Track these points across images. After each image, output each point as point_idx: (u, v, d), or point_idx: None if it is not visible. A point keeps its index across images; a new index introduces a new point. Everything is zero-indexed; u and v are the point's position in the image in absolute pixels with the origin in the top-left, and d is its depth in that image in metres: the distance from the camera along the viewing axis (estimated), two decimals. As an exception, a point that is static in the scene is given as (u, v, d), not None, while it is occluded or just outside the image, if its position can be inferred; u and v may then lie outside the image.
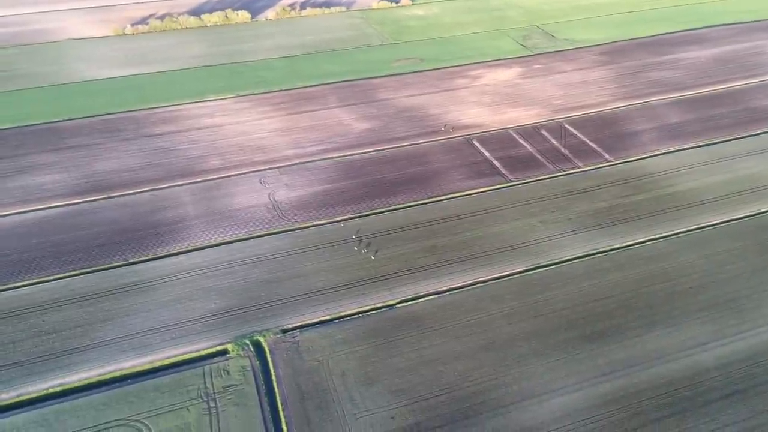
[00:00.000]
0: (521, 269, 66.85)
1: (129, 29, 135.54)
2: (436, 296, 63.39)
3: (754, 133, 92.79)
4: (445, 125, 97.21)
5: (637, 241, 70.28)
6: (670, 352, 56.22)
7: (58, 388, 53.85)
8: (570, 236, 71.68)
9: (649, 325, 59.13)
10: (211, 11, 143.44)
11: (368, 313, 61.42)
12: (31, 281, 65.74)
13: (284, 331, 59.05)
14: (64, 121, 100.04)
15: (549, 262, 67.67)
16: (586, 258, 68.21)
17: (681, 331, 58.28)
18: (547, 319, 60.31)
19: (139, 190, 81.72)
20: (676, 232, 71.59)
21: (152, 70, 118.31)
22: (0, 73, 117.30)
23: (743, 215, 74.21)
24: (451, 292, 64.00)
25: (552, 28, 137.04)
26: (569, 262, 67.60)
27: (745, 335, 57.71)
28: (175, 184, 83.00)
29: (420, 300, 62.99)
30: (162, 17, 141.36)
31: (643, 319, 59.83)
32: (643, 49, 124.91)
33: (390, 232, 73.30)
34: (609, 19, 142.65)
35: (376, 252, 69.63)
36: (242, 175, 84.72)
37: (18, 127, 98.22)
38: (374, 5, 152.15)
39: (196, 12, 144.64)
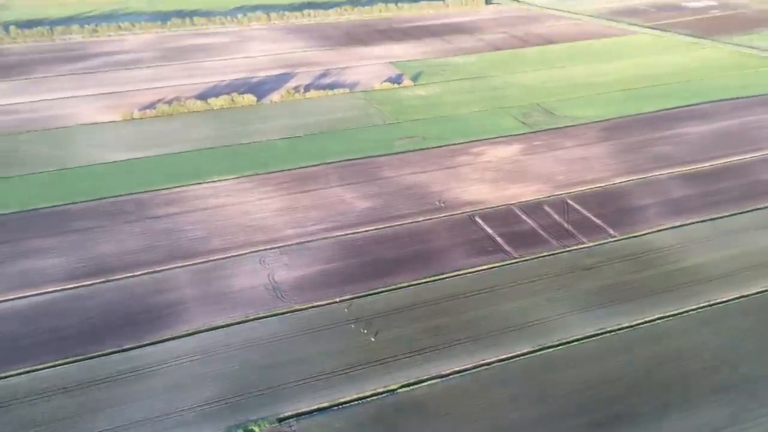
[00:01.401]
0: (527, 350, 64.49)
1: (137, 114, 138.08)
2: (439, 380, 60.90)
3: (759, 207, 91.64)
4: (440, 200, 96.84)
5: (645, 319, 68.07)
6: (686, 439, 53.11)
7: (42, 485, 51.07)
8: (576, 315, 69.57)
9: (662, 408, 56.23)
10: (218, 95, 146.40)
11: (368, 399, 58.87)
12: (21, 370, 63.69)
13: (280, 420, 56.46)
14: (68, 204, 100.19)
15: (556, 343, 65.36)
16: (594, 338, 65.90)
17: (696, 415, 55.32)
18: (554, 404, 57.51)
19: (138, 273, 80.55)
20: (686, 309, 69.43)
21: (158, 153, 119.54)
22: (9, 158, 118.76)
23: (754, 291, 72.10)
24: (454, 375, 61.55)
25: (552, 105, 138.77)
26: (576, 343, 65.29)
27: (762, 419, 54.57)
28: (175, 266, 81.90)
29: (422, 384, 60.51)
30: (170, 102, 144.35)
31: (655, 402, 56.94)
32: (643, 124, 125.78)
33: (391, 312, 71.45)
34: (608, 96, 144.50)
35: (376, 333, 67.57)
36: (242, 256, 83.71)
37: (23, 211, 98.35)
38: (376, 86, 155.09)
39: (203, 96, 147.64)
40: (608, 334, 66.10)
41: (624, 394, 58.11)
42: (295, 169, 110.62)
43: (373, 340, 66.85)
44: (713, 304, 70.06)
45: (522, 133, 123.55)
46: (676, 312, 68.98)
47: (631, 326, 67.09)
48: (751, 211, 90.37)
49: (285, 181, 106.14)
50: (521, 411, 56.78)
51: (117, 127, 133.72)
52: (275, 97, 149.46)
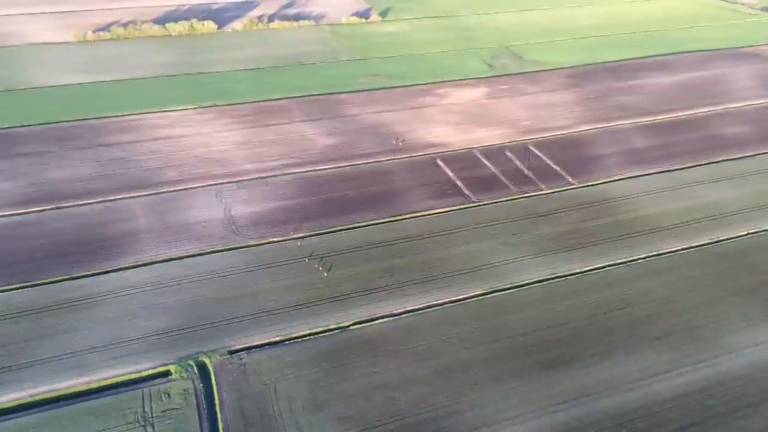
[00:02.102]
0: (480, 292, 65.71)
1: (90, 35, 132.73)
2: (392, 318, 61.84)
3: (715, 160, 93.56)
4: (397, 138, 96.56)
5: (596, 266, 69.74)
6: (625, 382, 55.29)
7: (-14, 410, 50.90)
8: (530, 260, 70.90)
9: (606, 352, 58.28)
10: (176, 21, 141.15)
11: (321, 335, 59.57)
12: (-34, 294, 62.68)
13: (231, 353, 56.88)
14: (16, 127, 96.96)
15: (508, 286, 66.70)
16: (545, 282, 67.41)
17: (638, 360, 57.49)
18: (503, 345, 59.10)
19: (89, 201, 79.15)
20: (635, 258, 71.23)
21: (112, 77, 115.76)
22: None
23: (703, 243, 74.26)
24: (407, 314, 62.51)
25: (520, 49, 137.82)
26: (528, 287, 66.71)
27: (701, 366, 57.09)
28: (128, 195, 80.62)
29: (375, 322, 61.36)
30: (125, 25, 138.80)
31: (600, 346, 58.97)
32: (609, 73, 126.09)
33: (348, 251, 71.76)
34: (577, 42, 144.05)
35: (330, 269, 68.00)
36: (199, 189, 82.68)
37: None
38: (344, 20, 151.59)
39: (161, 21, 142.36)
40: (558, 280, 67.65)
41: (570, 338, 59.95)
42: (256, 102, 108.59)
43: (326, 275, 67.26)
44: (662, 254, 72.02)
45: (489, 77, 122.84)
46: (625, 260, 70.80)
47: (582, 272, 68.73)
48: (707, 164, 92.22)
49: (246, 114, 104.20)
50: (470, 351, 58.21)
51: (69, 49, 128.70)
52: (237, 25, 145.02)
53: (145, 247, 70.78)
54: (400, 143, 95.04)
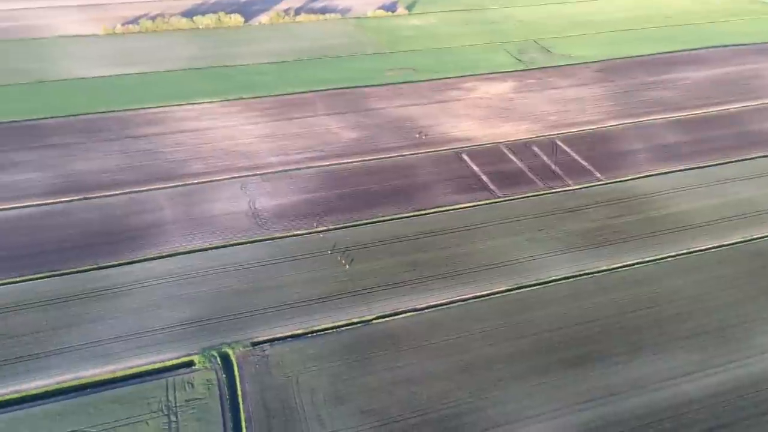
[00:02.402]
0: (504, 288, 65.24)
1: (119, 28, 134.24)
2: (415, 313, 61.67)
3: (749, 157, 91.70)
4: (420, 132, 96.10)
5: (624, 263, 68.80)
6: (653, 381, 54.51)
7: (14, 395, 51.85)
8: (556, 256, 70.17)
9: (634, 351, 57.47)
10: (204, 14, 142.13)
11: (343, 329, 59.66)
12: (-5, 283, 63.90)
13: (254, 344, 57.23)
14: (45, 119, 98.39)
15: (533, 282, 66.09)
16: (572, 279, 66.68)
17: (666, 360, 56.62)
18: (528, 342, 58.62)
19: (116, 192, 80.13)
20: (665, 256, 70.12)
21: (140, 70, 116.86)
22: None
23: (735, 241, 72.85)
24: (430, 309, 62.31)
25: (549, 42, 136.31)
26: (554, 283, 66.07)
27: (731, 366, 56.05)
28: (154, 187, 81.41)
29: (398, 316, 61.25)
30: (153, 18, 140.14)
31: (627, 345, 58.18)
32: (640, 67, 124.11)
33: (372, 245, 71.70)
34: (607, 36, 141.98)
35: (351, 261, 68.07)
36: (224, 181, 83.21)
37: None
38: (370, 13, 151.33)
39: (188, 14, 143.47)
40: (585, 276, 66.85)
41: (596, 336, 59.25)
42: (281, 95, 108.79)
43: (347, 267, 67.31)
44: (693, 252, 70.81)
45: (516, 70, 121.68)
46: (655, 258, 69.73)
47: (609, 269, 67.86)
48: (740, 161, 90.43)
49: (271, 107, 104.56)
50: (494, 347, 57.85)
51: (98, 41, 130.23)
52: (264, 18, 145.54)
53: (170, 239, 71.44)
54: (423, 137, 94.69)
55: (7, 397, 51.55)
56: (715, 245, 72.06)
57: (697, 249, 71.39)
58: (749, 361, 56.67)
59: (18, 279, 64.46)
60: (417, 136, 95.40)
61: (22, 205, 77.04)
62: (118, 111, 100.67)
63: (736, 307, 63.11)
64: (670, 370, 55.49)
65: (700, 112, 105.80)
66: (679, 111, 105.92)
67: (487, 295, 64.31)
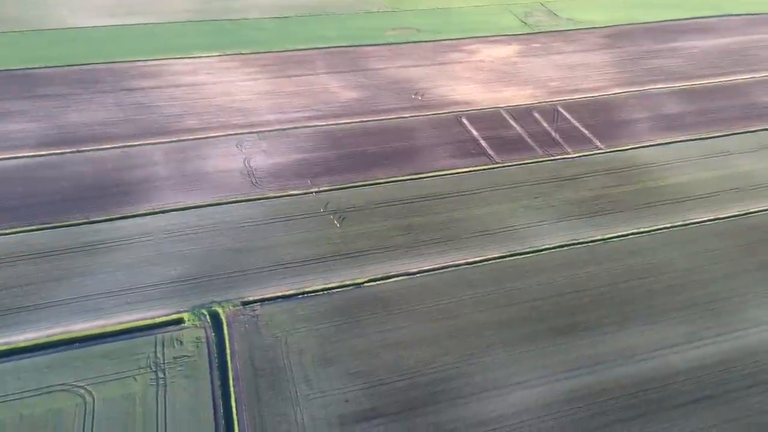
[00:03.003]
0: (498, 255, 65.13)
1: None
2: (406, 277, 61.71)
3: (752, 129, 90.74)
4: (416, 92, 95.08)
5: (619, 233, 68.59)
6: (641, 352, 54.79)
7: (3, 347, 52.12)
8: (551, 224, 69.95)
9: (623, 321, 57.67)
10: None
11: (334, 291, 59.75)
12: (-15, 234, 63.77)
13: (244, 304, 57.39)
14: (40, 68, 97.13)
15: (527, 250, 65.98)
16: (565, 248, 66.54)
17: (655, 331, 56.83)
18: (518, 309, 58.77)
19: (109, 146, 79.44)
20: (660, 227, 69.88)
21: (137, 21, 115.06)
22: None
23: (732, 214, 72.50)
24: (422, 273, 62.31)
25: (556, 6, 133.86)
26: (547, 251, 65.95)
27: (720, 339, 56.27)
28: (147, 142, 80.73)
29: (389, 280, 61.30)
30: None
31: (617, 315, 58.35)
32: (648, 34, 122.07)
33: (367, 207, 71.41)
34: (616, 1, 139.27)
35: (343, 220, 67.98)
36: (219, 138, 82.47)
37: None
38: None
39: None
40: (579, 246, 66.72)
41: (587, 305, 59.38)
42: (281, 51, 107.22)
43: (338, 226, 67.44)
44: (688, 224, 70.54)
45: (521, 34, 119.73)
46: (650, 229, 69.50)
47: (604, 239, 67.68)
48: (743, 133, 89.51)
49: (269, 64, 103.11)
50: (484, 314, 58.00)
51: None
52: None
53: (163, 195, 71.16)
54: (419, 98, 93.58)
55: (-4, 349, 51.91)
56: (712, 218, 71.75)
57: (693, 221, 71.10)
58: (738, 335, 56.88)
59: (8, 231, 64.34)
60: (413, 96, 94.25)
61: (14, 156, 76.47)
62: (113, 62, 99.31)
63: (729, 280, 63.12)
64: (658, 342, 55.74)
65: (706, 81, 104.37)
66: (685, 80, 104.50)
67: (480, 261, 64.24)
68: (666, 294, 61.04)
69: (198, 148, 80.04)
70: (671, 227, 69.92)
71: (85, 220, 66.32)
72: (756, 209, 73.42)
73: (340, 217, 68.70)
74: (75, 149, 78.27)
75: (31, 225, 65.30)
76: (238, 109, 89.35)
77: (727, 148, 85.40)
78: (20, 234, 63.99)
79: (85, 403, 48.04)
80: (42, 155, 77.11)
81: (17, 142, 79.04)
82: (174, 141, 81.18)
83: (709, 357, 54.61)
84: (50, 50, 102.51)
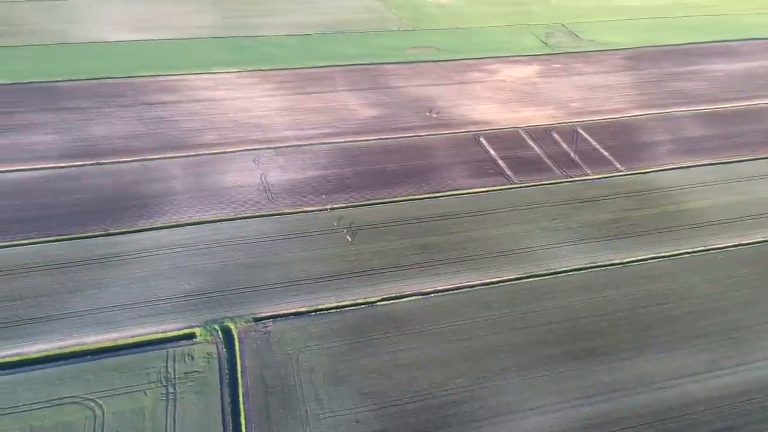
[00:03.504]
0: (514, 276, 64.53)
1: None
2: (420, 297, 61.25)
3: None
4: (431, 110, 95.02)
5: (639, 258, 67.70)
6: (659, 379, 53.77)
7: (15, 358, 52.32)
8: (569, 246, 69.24)
9: (641, 348, 56.66)
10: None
11: (347, 309, 59.43)
12: (3, 244, 64.26)
13: (257, 320, 57.22)
14: (63, 81, 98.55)
15: (544, 272, 65.28)
16: (584, 271, 65.77)
17: (674, 358, 55.77)
18: (534, 332, 58.01)
19: (129, 159, 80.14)
20: (681, 252, 68.87)
21: (159, 36, 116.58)
22: (8, 27, 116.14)
23: (754, 240, 71.30)
24: (437, 294, 61.83)
25: (577, 27, 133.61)
26: (565, 274, 65.21)
27: (741, 368, 55.08)
28: (166, 156, 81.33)
29: (403, 299, 60.89)
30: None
31: (635, 341, 57.38)
32: (670, 57, 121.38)
33: (382, 225, 71.20)
34: (638, 23, 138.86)
35: (355, 234, 67.94)
36: (236, 153, 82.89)
37: (17, 83, 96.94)
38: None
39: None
40: (598, 269, 65.93)
41: (604, 330, 58.48)
42: (300, 68, 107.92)
43: (350, 240, 67.52)
44: (710, 249, 69.49)
45: (542, 54, 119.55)
46: (670, 253, 68.50)
47: (623, 263, 66.81)
48: (766, 158, 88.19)
49: (288, 80, 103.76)
50: (498, 336, 57.33)
51: (120, 4, 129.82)
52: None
53: (179, 208, 71.49)
54: (434, 115, 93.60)
55: (9, 360, 52.04)
56: (734, 244, 70.59)
57: (715, 247, 70.02)
58: (760, 365, 55.64)
59: (26, 241, 64.89)
60: (428, 114, 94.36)
61: (36, 167, 77.38)
62: (134, 77, 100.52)
63: (750, 308, 61.91)
64: (677, 369, 54.67)
65: (729, 105, 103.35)
66: (707, 104, 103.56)
67: (496, 282, 63.67)
68: (686, 321, 59.96)
69: (215, 162, 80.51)
70: (692, 252, 68.90)
71: (102, 233, 66.73)
72: (780, 236, 72.24)
73: (352, 232, 68.57)
74: (95, 161, 79.08)
75: (49, 236, 65.81)
76: (256, 124, 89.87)
77: (750, 173, 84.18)
78: (38, 245, 64.49)
79: (95, 417, 47.99)
80: (63, 167, 77.98)
81: (39, 153, 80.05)
82: (192, 155, 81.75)
83: (730, 387, 53.42)
84: (73, 64, 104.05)
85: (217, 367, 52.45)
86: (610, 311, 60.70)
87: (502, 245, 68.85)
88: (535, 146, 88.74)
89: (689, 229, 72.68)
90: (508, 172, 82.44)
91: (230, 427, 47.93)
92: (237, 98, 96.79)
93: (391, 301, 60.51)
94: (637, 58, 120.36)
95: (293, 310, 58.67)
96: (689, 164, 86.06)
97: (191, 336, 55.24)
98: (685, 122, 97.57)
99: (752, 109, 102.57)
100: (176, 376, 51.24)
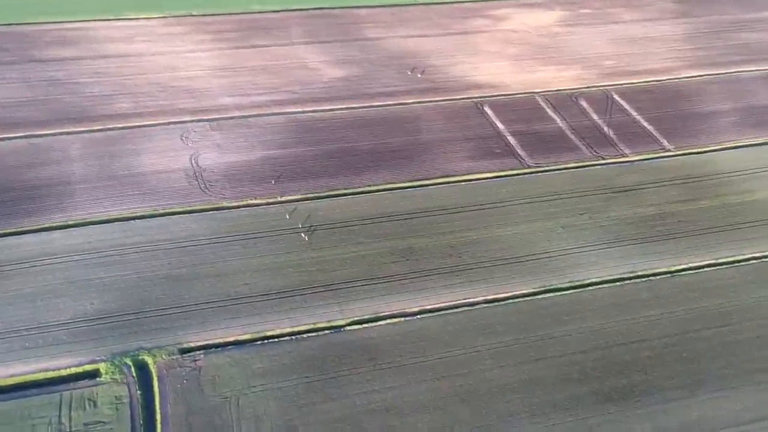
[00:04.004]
0: (526, 291, 64.69)
1: None
2: (402, 319, 61.13)
3: None
4: (414, 68, 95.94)
5: (690, 265, 68.27)
6: (717, 427, 54.08)
7: None
8: (601, 250, 69.73)
9: (693, 385, 57.02)
10: None
11: (305, 335, 59.10)
12: None
13: (183, 351, 56.77)
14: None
15: (566, 285, 65.56)
16: (618, 283, 66.15)
17: (735, 398, 56.19)
18: (552, 365, 58.13)
19: (11, 135, 79.74)
20: (746, 257, 69.62)
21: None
22: None
23: (842, 242, 72.30)
24: (424, 315, 61.74)
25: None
26: (594, 287, 65.52)
27: (823, 412, 55.72)
28: (63, 131, 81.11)
29: (380, 322, 60.71)
30: None
31: (685, 376, 57.72)
32: (734, 0, 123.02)
33: (352, 222, 71.23)
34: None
35: (312, 233, 68.18)
36: (158, 127, 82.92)
37: None
38: None
39: None
40: (637, 280, 66.33)
41: (645, 361, 58.76)
42: (244, 14, 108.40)
43: (306, 239, 68.04)
44: (784, 254, 70.55)
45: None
46: (732, 259, 69.20)
47: (670, 272, 67.34)
48: None
49: (228, 30, 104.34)
50: (506, 370, 57.41)
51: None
52: None
53: (79, 202, 71.08)
54: (418, 75, 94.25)
55: None
56: (816, 247, 71.64)
57: (791, 250, 71.08)
58: None
59: None
60: (409, 72, 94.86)
61: None
62: (19, 24, 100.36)
63: (836, 331, 62.68)
64: (737, 413, 55.02)
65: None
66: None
67: (503, 299, 63.77)
68: (751, 348, 60.47)
69: (129, 140, 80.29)
70: (760, 258, 69.55)
71: (-27, 235, 66.13)
72: None
73: (310, 228, 68.70)
74: (-35, 139, 78.43)
75: None
76: (184, 89, 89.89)
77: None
78: None
79: (-39, 485, 47.36)
80: None
81: None
82: (98, 130, 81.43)
83: (809, 436, 54.04)
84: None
85: (128, 415, 51.83)
86: (653, 337, 60.98)
87: (510, 249, 69.10)
88: (556, 117, 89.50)
89: (757, 226, 73.55)
90: (521, 152, 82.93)
91: (146, 496, 47.61)
92: (159, 53, 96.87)
93: (364, 325, 60.29)
94: (690, 1, 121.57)
95: (232, 339, 58.21)
96: (758, 141, 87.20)
97: (94, 374, 54.56)
98: (753, 86, 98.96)
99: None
100: (72, 430, 50.50)
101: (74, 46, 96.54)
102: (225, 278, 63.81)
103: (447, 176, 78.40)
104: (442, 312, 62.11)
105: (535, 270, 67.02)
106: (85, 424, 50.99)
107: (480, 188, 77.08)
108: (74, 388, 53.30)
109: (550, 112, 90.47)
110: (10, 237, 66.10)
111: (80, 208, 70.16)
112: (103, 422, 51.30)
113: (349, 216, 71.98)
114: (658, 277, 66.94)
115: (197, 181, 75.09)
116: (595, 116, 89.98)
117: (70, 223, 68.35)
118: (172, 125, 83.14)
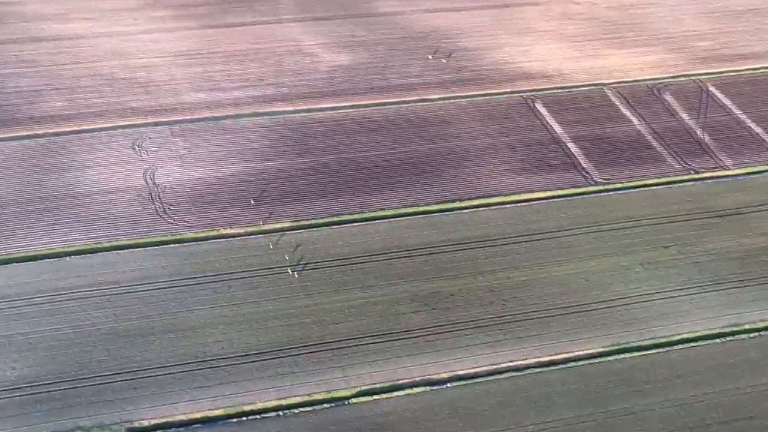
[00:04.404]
0: (594, 351, 64.28)
1: None
2: (427, 389, 60.76)
3: None
4: (435, 51, 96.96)
5: (810, 316, 67.98)
6: None
7: None
8: (693, 295, 69.36)
9: (818, 478, 56.51)
10: None
11: (297, 410, 58.75)
12: None
13: (133, 432, 56.73)
14: None
15: (648, 342, 65.05)
16: (720, 340, 65.60)
17: None
18: (630, 450, 57.76)
19: None
20: None
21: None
22: None
23: None
24: (456, 382, 61.36)
25: None
26: (686, 345, 64.98)
27: None
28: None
29: (396, 393, 60.34)
30: None
31: (806, 464, 57.19)
32: None
33: (359, 259, 71.26)
34: None
35: (303, 268, 68.26)
36: (103, 132, 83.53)
37: None
38: None
39: None
40: (744, 336, 65.84)
41: (755, 443, 58.31)
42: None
43: (296, 276, 68.17)
44: None
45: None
46: None
47: (790, 325, 67.09)
48: None
49: (197, 3, 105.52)
50: (568, 457, 57.11)
51: None
52: None
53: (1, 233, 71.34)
54: (443, 60, 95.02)
55: None
56: None
57: None
58: None
59: None
60: (430, 57, 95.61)
61: None
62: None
63: None
64: None
65: None
66: None
67: (561, 361, 63.34)
68: None
69: (65, 149, 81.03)
70: None
71: None
72: None
73: (299, 263, 69.21)
74: None
75: None
76: (138, 82, 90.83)
77: None
78: None
79: None
80: None
81: None
82: (24, 137, 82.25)
83: None
84: None
85: None
86: (764, 408, 60.20)
87: (573, 294, 68.90)
88: (632, 117, 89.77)
89: None
90: (585, 164, 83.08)
91: None
92: (104, 35, 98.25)
93: (375, 397, 59.90)
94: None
95: (199, 415, 57.87)
96: None
97: (13, 466, 54.61)
98: None
99: None
100: None
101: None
102: (190, 334, 63.78)
103: (486, 197, 78.52)
104: (480, 379, 61.75)
105: (606, 322, 66.70)
106: None
107: (531, 213, 77.13)
108: (-15, 486, 53.54)
109: (624, 110, 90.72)
110: None
111: (4, 242, 70.47)
112: None
113: (355, 250, 72.05)
114: (767, 333, 66.70)
115: (153, 204, 75.40)
116: (684, 116, 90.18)
117: (-11, 261, 68.76)
118: (120, 130, 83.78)
